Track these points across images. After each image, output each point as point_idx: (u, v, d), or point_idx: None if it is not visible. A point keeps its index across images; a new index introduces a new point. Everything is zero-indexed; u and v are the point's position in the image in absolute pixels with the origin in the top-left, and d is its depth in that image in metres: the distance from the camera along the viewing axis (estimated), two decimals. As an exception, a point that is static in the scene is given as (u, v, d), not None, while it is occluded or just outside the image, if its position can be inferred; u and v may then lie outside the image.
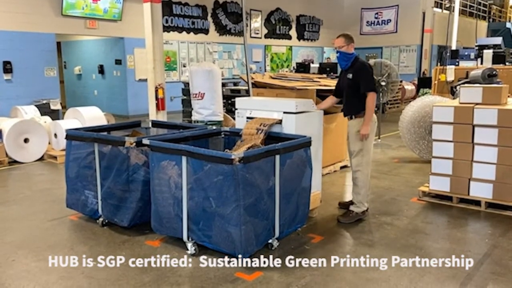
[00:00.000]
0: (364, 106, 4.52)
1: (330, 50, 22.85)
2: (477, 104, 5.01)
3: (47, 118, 8.44)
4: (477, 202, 5.01)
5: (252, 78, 6.60)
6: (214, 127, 5.16)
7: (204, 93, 5.61)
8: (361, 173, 4.62)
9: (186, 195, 3.69)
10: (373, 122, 4.58)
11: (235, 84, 9.84)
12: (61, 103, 11.22)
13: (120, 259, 3.68)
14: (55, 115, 10.57)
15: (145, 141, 3.96)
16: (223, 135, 4.84)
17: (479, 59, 10.24)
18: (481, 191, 4.98)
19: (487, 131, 4.86)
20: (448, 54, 10.23)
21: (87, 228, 4.44)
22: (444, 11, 22.44)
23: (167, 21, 13.93)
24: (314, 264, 3.63)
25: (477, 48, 10.52)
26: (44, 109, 10.45)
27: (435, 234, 4.35)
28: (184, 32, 14.64)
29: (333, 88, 6.56)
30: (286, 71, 16.45)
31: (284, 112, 4.37)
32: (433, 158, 5.28)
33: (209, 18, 15.47)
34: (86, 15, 12.00)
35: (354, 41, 4.65)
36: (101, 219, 4.43)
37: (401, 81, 14.69)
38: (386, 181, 6.25)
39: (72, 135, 4.57)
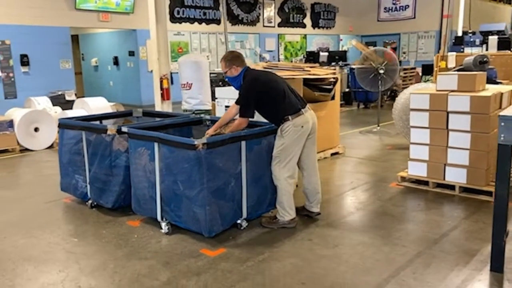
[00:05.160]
0: (277, 116, 4.08)
1: (347, 37, 22.79)
2: (452, 91, 5.13)
3: (58, 109, 8.91)
4: (452, 187, 5.15)
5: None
6: (203, 116, 5.46)
7: (191, 83, 5.91)
8: (281, 180, 4.12)
9: (158, 178, 4.01)
10: (298, 127, 4.05)
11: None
12: (75, 94, 11.71)
13: (100, 237, 4.05)
14: (70, 105, 11.06)
15: (124, 129, 4.29)
16: (207, 123, 5.12)
17: (484, 46, 10.17)
18: (455, 176, 5.12)
19: (460, 118, 4.98)
20: (452, 40, 10.17)
21: (77, 209, 4.82)
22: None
23: (178, 13, 14.25)
24: (276, 242, 3.90)
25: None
26: (60, 100, 10.97)
27: (402, 216, 4.54)
28: (196, 23, 14.93)
29: (323, 76, 6.79)
30: (300, 60, 16.59)
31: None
32: (411, 144, 5.44)
33: (221, 8, 15.69)
34: (99, 9, 12.42)
35: (240, 59, 4.14)
36: (90, 201, 4.80)
37: (414, 68, 14.72)
38: (372, 167, 6.43)
39: (63, 124, 4.94)
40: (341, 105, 13.37)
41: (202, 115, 5.53)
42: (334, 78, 6.86)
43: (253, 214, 4.24)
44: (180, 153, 3.79)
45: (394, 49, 14.43)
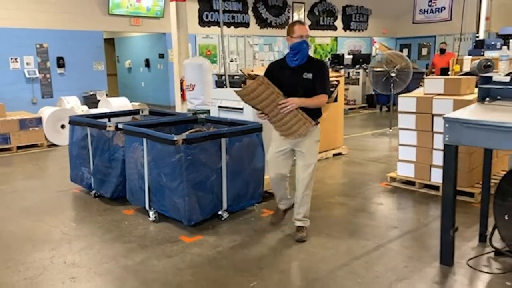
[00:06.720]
0: (317, 113, 3.98)
1: (380, 40, 22.64)
2: (438, 94, 5.28)
3: (85, 107, 9.59)
4: (437, 188, 5.29)
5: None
6: (205, 115, 5.86)
7: (194, 85, 6.33)
8: (311, 188, 4.08)
9: (147, 171, 4.43)
10: (318, 129, 4.03)
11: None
12: (106, 94, 12.45)
13: (95, 223, 4.52)
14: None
15: (120, 126, 4.74)
16: (204, 123, 5.51)
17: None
18: (440, 177, 5.19)
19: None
20: (473, 43, 10.08)
21: (83, 198, 5.33)
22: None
23: (207, 17, 14.78)
24: (250, 232, 4.22)
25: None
26: (92, 100, 11.75)
27: (377, 213, 4.75)
28: (225, 26, 15.39)
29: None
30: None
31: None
32: (400, 145, 5.62)
33: (250, 12, 16.11)
34: (131, 14, 13.12)
35: None
36: (93, 191, 5.29)
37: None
38: (368, 167, 6.62)
39: (73, 121, 5.47)
40: (364, 108, 13.64)
41: (205, 115, 5.95)
42: (336, 81, 7.10)
43: (234, 207, 4.58)
44: (164, 148, 4.19)
45: (442, 51, 13.71)
